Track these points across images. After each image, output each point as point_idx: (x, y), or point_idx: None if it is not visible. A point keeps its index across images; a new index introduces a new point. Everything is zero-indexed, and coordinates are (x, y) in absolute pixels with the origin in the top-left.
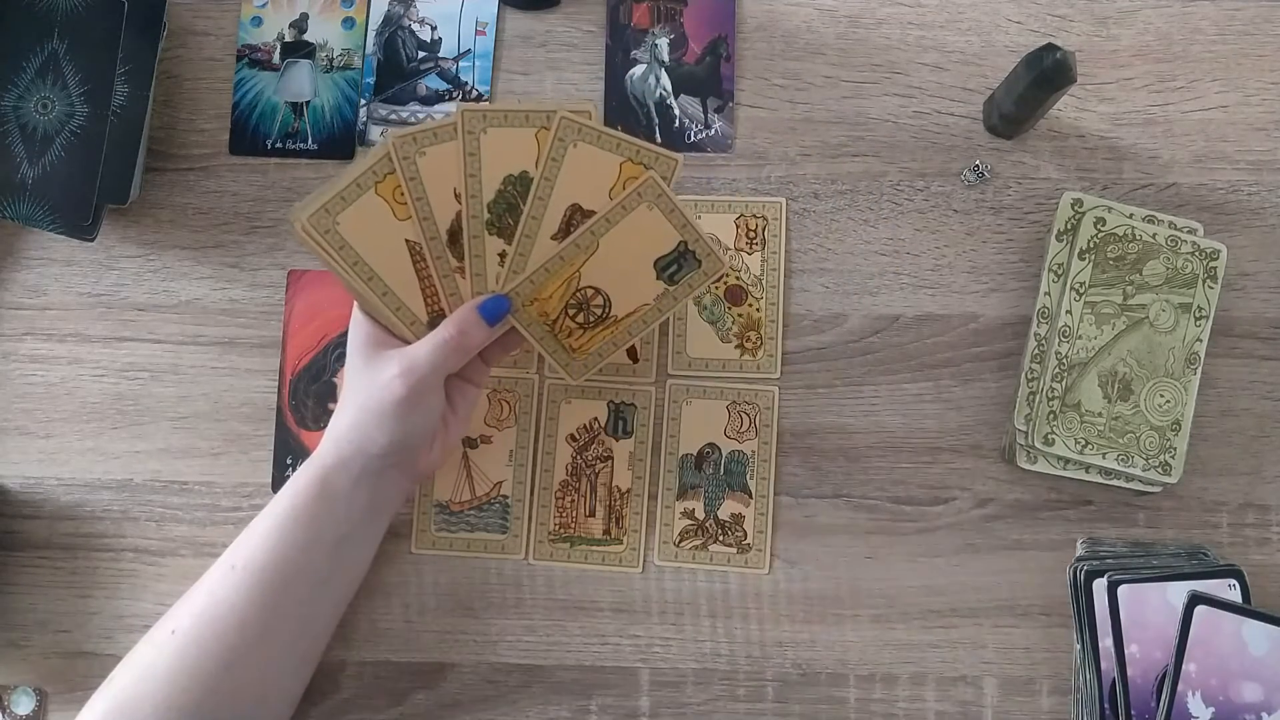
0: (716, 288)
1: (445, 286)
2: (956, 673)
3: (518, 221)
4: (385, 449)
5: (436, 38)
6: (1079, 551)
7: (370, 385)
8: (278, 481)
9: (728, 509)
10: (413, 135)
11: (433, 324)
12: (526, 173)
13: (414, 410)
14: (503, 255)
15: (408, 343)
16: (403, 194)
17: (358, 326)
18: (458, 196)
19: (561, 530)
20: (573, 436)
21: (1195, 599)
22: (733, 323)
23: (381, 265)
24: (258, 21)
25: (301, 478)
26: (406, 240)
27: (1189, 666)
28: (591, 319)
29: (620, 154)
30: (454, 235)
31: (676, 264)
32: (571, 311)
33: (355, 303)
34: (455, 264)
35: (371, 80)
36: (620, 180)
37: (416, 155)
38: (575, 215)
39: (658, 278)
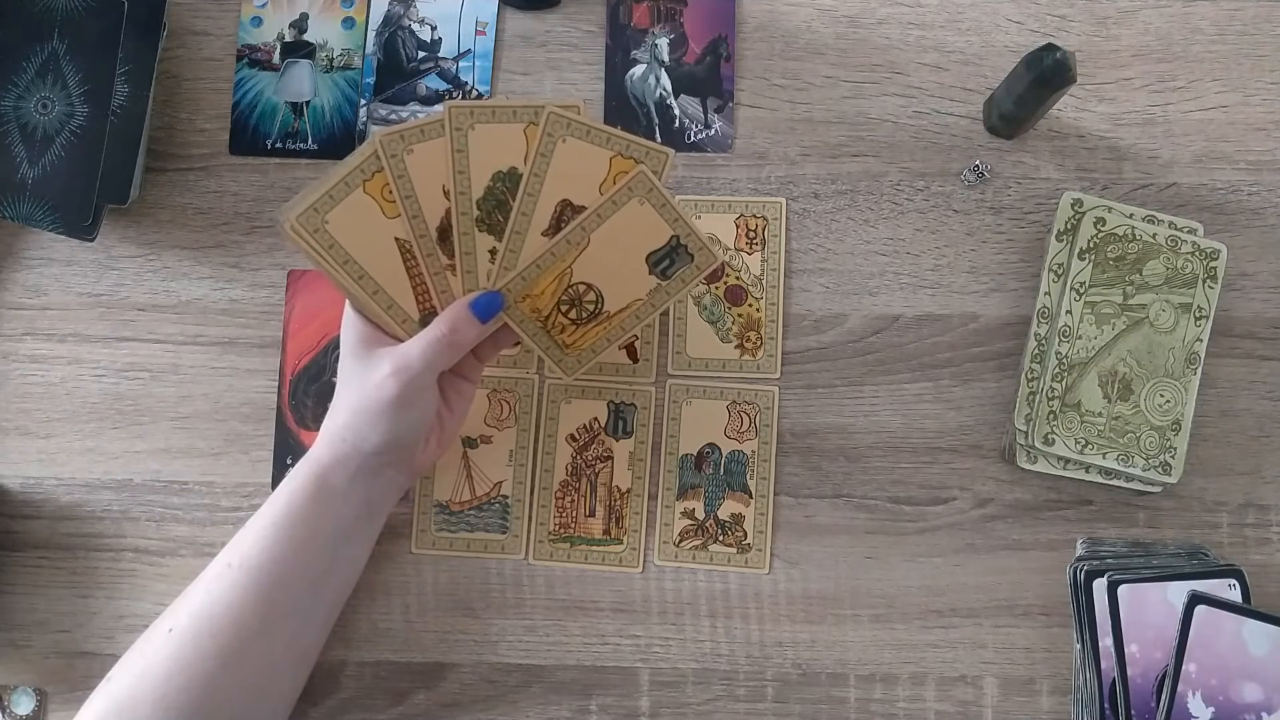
0: (717, 288)
1: (436, 284)
2: (956, 673)
3: (508, 218)
4: (379, 447)
5: (436, 38)
6: (1079, 551)
7: (363, 384)
8: (278, 481)
9: (728, 509)
10: (400, 133)
11: (424, 322)
12: (515, 169)
13: (407, 409)
14: (493, 252)
15: (400, 341)
16: (391, 192)
17: (350, 325)
18: (447, 194)
19: (561, 530)
20: (573, 436)
21: (1195, 599)
22: (733, 323)
23: (372, 264)
24: (258, 21)
25: (298, 476)
26: (396, 238)
27: (1189, 666)
28: (584, 315)
29: (610, 148)
30: (444, 233)
31: (669, 258)
32: (564, 308)
33: (347, 301)
34: (446, 261)
35: (371, 80)
36: (611, 175)
37: (404, 153)
38: (566, 211)
39: (650, 272)
